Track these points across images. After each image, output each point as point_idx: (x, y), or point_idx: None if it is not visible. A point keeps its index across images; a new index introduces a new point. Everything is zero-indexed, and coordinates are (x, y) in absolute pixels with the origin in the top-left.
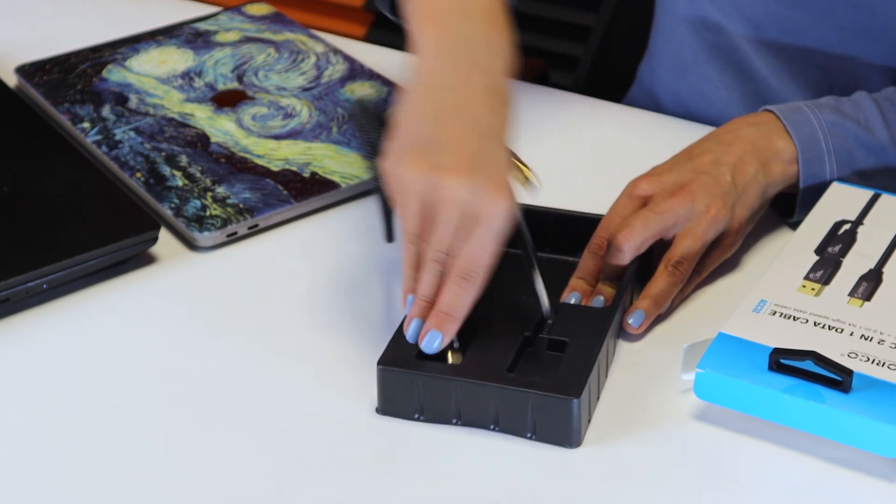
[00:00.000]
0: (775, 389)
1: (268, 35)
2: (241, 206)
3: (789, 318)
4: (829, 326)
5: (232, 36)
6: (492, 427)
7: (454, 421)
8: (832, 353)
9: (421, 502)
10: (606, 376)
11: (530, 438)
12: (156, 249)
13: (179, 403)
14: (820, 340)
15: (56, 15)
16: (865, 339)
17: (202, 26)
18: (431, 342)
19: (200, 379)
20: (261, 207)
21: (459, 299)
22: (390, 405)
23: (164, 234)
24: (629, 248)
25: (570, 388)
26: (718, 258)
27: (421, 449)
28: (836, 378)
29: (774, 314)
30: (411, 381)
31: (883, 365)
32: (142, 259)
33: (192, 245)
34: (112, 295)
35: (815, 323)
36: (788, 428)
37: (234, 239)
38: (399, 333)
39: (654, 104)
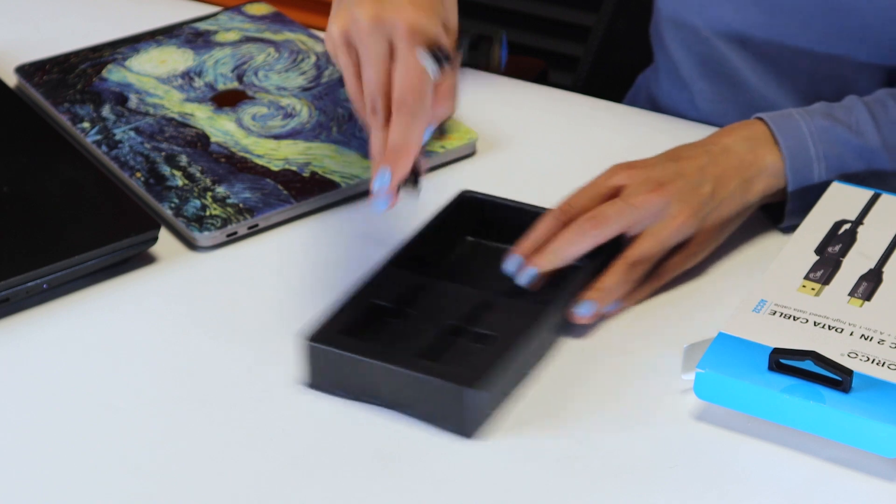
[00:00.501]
0: (775, 389)
1: (268, 35)
2: (241, 205)
3: (789, 317)
4: (829, 326)
5: (232, 36)
6: (406, 411)
7: (375, 401)
8: (832, 353)
9: (421, 502)
10: (530, 372)
11: (431, 424)
12: (156, 249)
13: (179, 403)
14: (820, 340)
15: (56, 15)
16: (865, 339)
17: (202, 26)
18: (382, 179)
19: (200, 379)
20: (261, 207)
21: (403, 131)
22: (316, 379)
23: (164, 234)
24: (596, 236)
25: (468, 379)
26: (680, 265)
27: (421, 449)
28: (836, 378)
29: (774, 314)
30: (334, 359)
31: (883, 365)
32: (142, 259)
33: (192, 245)
34: (112, 295)
35: (815, 323)
36: (788, 428)
37: (233, 239)
38: (329, 309)
39: (655, 110)
